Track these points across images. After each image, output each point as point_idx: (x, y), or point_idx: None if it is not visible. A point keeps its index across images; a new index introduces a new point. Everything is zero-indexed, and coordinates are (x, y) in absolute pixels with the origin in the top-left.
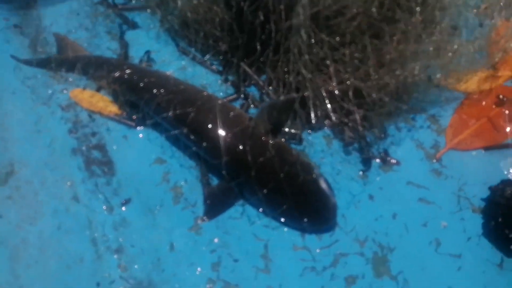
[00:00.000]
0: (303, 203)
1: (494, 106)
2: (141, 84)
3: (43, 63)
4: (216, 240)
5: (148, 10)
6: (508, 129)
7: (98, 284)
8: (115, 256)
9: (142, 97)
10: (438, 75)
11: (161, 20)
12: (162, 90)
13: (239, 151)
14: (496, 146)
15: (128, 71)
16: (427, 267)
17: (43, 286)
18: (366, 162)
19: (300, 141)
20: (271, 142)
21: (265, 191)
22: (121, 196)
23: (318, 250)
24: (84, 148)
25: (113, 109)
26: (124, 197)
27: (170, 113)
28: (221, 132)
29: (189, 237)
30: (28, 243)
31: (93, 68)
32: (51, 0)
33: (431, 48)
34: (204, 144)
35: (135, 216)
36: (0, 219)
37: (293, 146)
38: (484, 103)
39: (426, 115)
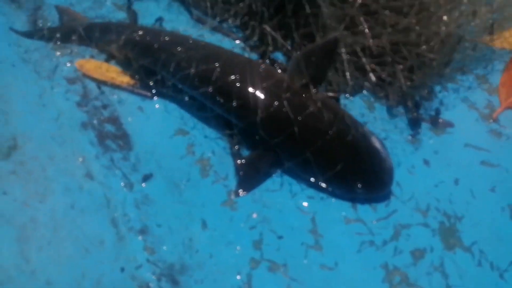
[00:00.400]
0: (355, 165)
1: None
2: (156, 45)
3: (45, 35)
4: (254, 215)
5: None
6: None
7: (122, 269)
8: (140, 238)
9: (159, 58)
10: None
11: None
12: (180, 49)
13: (275, 107)
14: None
15: (140, 32)
16: (504, 236)
17: (59, 270)
18: (415, 124)
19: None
20: (313, 94)
21: (309, 152)
22: (140, 172)
23: (374, 222)
24: (95, 121)
25: (124, 79)
26: (145, 173)
27: (192, 71)
28: (253, 88)
29: (224, 213)
30: (38, 223)
31: (99, 33)
32: None
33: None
34: (234, 103)
35: (158, 192)
36: (5, 196)
37: None
38: None
39: (473, 74)
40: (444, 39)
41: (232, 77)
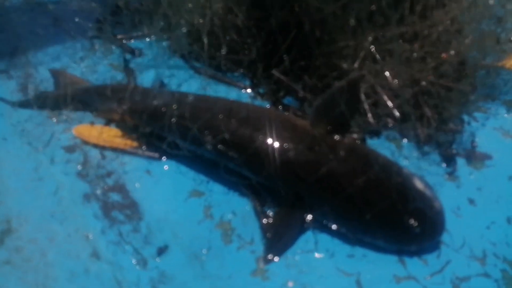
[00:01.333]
0: (400, 211)
1: None
2: (163, 108)
3: (39, 102)
4: (290, 283)
5: (153, 37)
6: None
7: None
8: None
9: (167, 122)
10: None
11: (170, 43)
12: (189, 109)
13: (301, 157)
14: None
15: (140, 96)
16: None
17: None
18: (451, 160)
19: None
20: (341, 140)
21: (344, 201)
22: (154, 244)
23: (428, 278)
24: (98, 191)
25: (128, 141)
26: (159, 245)
27: (206, 134)
28: (275, 143)
29: (255, 284)
30: None
31: (98, 98)
32: (40, 41)
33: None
34: (255, 158)
35: (177, 267)
36: None
37: None
38: None
39: (500, 101)
40: (460, 66)
41: (251, 131)
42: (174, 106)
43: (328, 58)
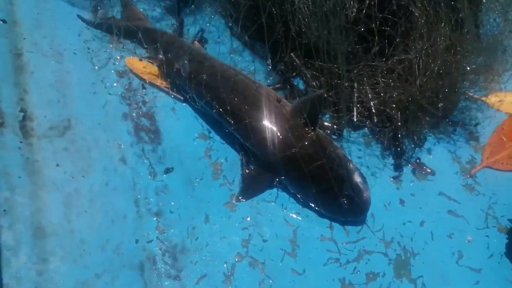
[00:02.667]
0: (338, 190)
1: None
2: (187, 69)
3: (106, 26)
4: (248, 218)
5: None
6: None
7: (137, 241)
8: (154, 219)
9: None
10: (482, 92)
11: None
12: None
13: (278, 137)
14: None
15: (175, 51)
16: (446, 276)
17: (90, 234)
18: (399, 168)
19: (339, 136)
20: (308, 131)
21: (302, 175)
22: (164, 164)
23: (344, 244)
24: (134, 114)
25: (163, 82)
26: (168, 166)
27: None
28: (261, 121)
29: (224, 212)
30: (79, 193)
31: (149, 42)
32: None
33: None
34: (246, 127)
35: (176, 184)
36: (57, 168)
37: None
38: None
39: (466, 130)
40: (447, 93)
41: (246, 106)
42: (195, 71)
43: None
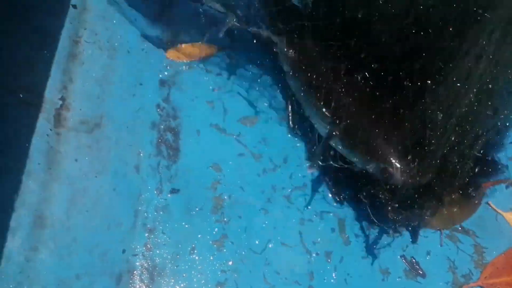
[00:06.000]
0: None
1: None
2: None
3: None
4: (230, 263)
5: None
6: None
7: (123, 251)
8: (146, 234)
9: None
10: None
11: None
12: None
13: None
14: None
15: None
16: None
17: (84, 234)
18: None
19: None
20: None
21: None
22: (172, 184)
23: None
24: (162, 126)
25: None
26: (174, 186)
27: None
28: None
29: (210, 248)
30: (86, 192)
31: None
32: None
33: None
34: None
35: (176, 207)
36: (75, 163)
37: None
38: None
39: (474, 241)
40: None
41: None
42: None
43: None
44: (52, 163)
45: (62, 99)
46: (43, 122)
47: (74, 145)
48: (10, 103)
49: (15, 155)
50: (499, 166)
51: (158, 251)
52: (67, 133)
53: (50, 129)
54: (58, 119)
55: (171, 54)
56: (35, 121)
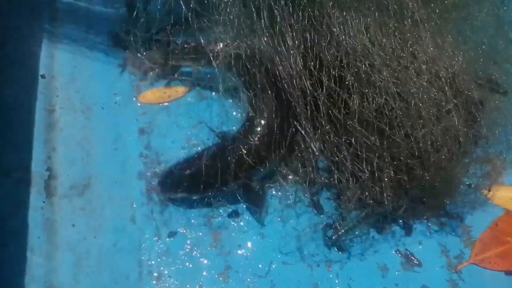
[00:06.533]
0: None
1: None
2: None
3: None
4: None
5: None
6: None
7: None
8: (154, 282)
9: None
10: (482, 185)
11: None
12: None
13: None
14: None
15: None
16: None
17: None
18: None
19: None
20: None
21: None
22: (169, 228)
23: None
24: (148, 174)
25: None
26: (172, 229)
27: None
28: None
29: (217, 282)
30: (89, 254)
31: None
32: None
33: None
34: None
35: (177, 249)
36: (73, 228)
37: None
38: None
39: (460, 224)
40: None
41: None
42: None
43: None
44: (51, 233)
45: (49, 169)
46: (35, 196)
47: (69, 211)
48: (5, 184)
49: (16, 233)
50: None
51: None
52: (59, 201)
53: (43, 201)
54: (48, 190)
55: (143, 98)
56: (28, 197)
